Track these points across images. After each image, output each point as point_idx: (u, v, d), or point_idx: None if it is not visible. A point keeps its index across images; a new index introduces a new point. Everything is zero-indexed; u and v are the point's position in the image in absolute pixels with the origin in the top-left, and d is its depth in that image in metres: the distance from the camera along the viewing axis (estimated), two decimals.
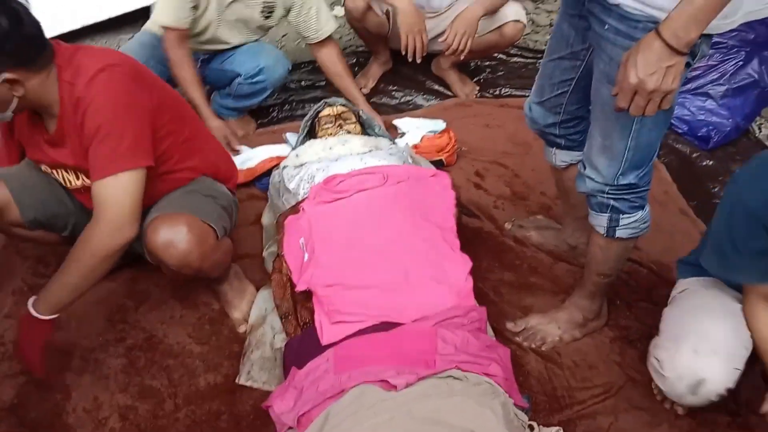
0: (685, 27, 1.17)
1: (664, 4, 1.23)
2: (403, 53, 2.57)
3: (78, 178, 1.69)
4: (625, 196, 1.56)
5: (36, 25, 1.44)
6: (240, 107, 2.66)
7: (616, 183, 1.52)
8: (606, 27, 1.35)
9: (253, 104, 2.66)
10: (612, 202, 1.56)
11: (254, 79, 2.54)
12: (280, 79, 2.62)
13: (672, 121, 2.62)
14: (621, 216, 1.58)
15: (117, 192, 1.49)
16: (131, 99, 1.52)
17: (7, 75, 1.41)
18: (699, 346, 1.46)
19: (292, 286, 1.80)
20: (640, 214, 1.60)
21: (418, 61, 2.59)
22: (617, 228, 1.60)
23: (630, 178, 1.52)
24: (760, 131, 2.83)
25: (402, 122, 2.63)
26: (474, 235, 2.19)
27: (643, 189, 1.56)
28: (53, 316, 1.52)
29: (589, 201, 1.62)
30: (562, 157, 1.84)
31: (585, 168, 1.58)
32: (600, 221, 1.61)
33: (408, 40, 2.53)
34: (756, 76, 2.62)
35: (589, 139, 1.55)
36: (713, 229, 1.47)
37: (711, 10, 1.17)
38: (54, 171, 1.71)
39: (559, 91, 1.68)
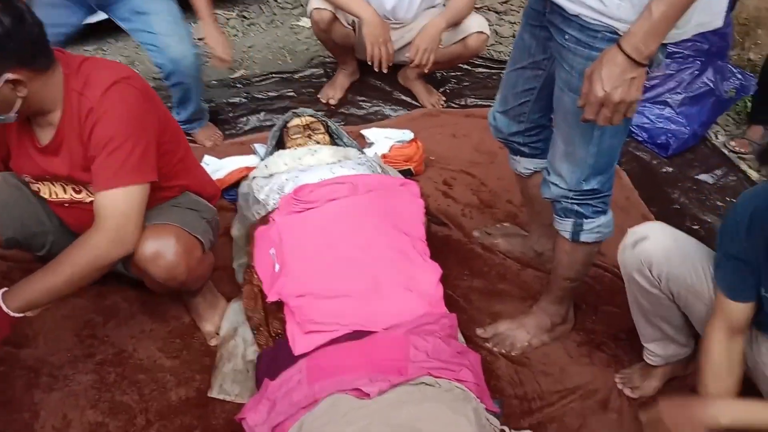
0: (645, 40, 1.23)
1: (622, 15, 1.29)
2: (369, 63, 2.60)
3: (65, 192, 1.66)
4: (589, 201, 1.60)
5: (39, 25, 1.42)
6: (190, 117, 2.62)
7: (579, 188, 1.57)
8: (566, 37, 1.39)
9: (194, 107, 2.58)
10: (576, 207, 1.61)
11: (170, 81, 2.47)
12: (194, 68, 2.45)
13: (632, 129, 2.70)
14: (585, 221, 1.63)
15: (123, 204, 1.50)
16: (143, 113, 1.54)
17: (10, 75, 1.39)
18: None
19: (263, 297, 1.80)
20: (603, 218, 1.65)
21: (384, 71, 2.62)
22: (582, 232, 1.64)
23: (593, 184, 1.56)
24: (717, 138, 2.93)
25: (370, 132, 2.66)
26: (443, 243, 2.22)
27: (605, 194, 1.61)
28: (20, 315, 1.46)
29: (554, 206, 1.66)
30: (526, 165, 1.88)
31: (549, 174, 1.62)
32: (565, 226, 1.66)
33: (373, 50, 2.56)
34: (711, 84, 2.72)
35: (552, 146, 1.59)
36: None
37: (667, 23, 1.23)
38: (39, 183, 1.67)
39: (522, 100, 1.72)
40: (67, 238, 1.75)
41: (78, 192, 1.65)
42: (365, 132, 2.66)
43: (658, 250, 1.52)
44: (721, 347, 1.43)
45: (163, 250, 1.58)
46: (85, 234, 1.49)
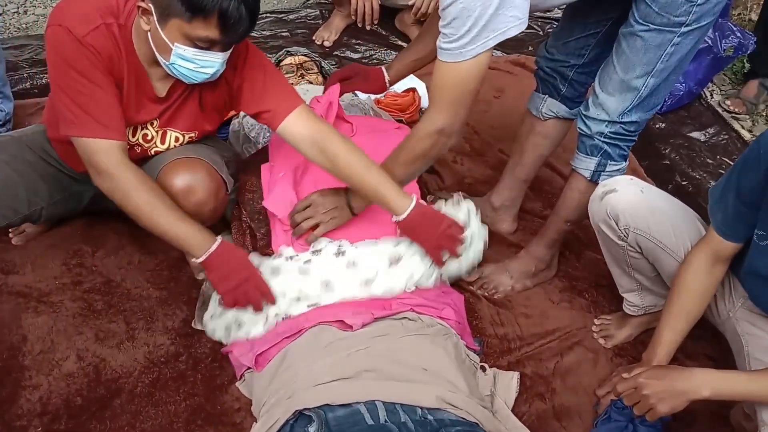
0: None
1: None
2: (353, 17, 2.56)
3: (135, 136, 1.60)
4: (619, 142, 1.63)
5: None
6: None
7: (620, 120, 1.59)
8: None
9: None
10: (606, 146, 1.64)
11: None
12: None
13: None
14: (609, 162, 1.66)
15: (312, 118, 1.58)
16: None
17: (141, 3, 1.36)
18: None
19: (252, 233, 1.81)
20: (623, 165, 1.69)
21: (368, 27, 2.57)
22: (602, 173, 1.67)
23: (634, 116, 1.59)
24: (712, 97, 2.92)
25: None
26: (434, 189, 2.23)
27: (634, 135, 1.65)
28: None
29: (583, 144, 1.68)
30: (551, 107, 1.87)
31: (589, 108, 1.63)
32: (587, 164, 1.68)
33: (358, 4, 2.51)
34: (710, 42, 2.69)
35: (604, 75, 1.59)
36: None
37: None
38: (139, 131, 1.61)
39: (592, 31, 1.70)
40: (60, 206, 1.77)
41: (149, 140, 1.62)
42: None
43: (624, 203, 1.52)
44: (699, 269, 1.44)
45: (196, 185, 1.56)
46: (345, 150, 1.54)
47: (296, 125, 1.55)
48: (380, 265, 1.59)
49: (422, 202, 1.63)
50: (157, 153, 1.64)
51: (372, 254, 1.61)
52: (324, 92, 1.89)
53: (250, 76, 1.56)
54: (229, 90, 1.59)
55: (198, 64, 1.39)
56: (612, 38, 1.58)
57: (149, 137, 1.61)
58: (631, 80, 1.54)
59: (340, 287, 1.57)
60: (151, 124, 1.59)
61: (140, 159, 1.62)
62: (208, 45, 1.36)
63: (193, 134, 1.65)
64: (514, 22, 1.34)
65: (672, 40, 1.46)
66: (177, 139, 1.64)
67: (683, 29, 1.45)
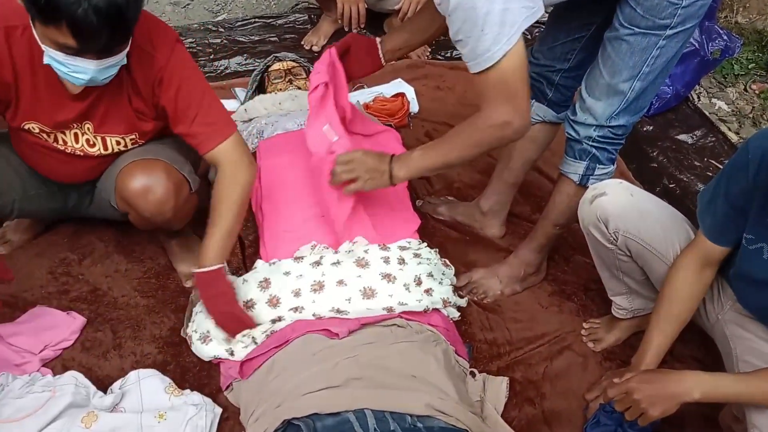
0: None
1: None
2: (339, 22, 2.56)
3: (78, 142, 1.61)
4: (607, 146, 1.64)
5: None
6: None
7: (608, 123, 1.60)
8: None
9: None
10: (594, 150, 1.64)
11: None
12: None
13: None
14: (598, 166, 1.67)
15: (239, 142, 1.59)
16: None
17: None
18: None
19: (241, 241, 1.81)
20: (611, 168, 1.69)
21: (354, 30, 2.57)
22: (591, 176, 1.68)
23: (621, 120, 1.59)
24: (699, 99, 2.93)
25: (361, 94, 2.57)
26: (423, 194, 2.23)
27: (621, 139, 1.65)
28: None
29: (571, 149, 1.68)
30: (536, 111, 1.86)
31: (576, 113, 1.63)
32: (576, 168, 1.69)
33: (344, 8, 2.51)
34: (696, 45, 2.71)
35: (590, 80, 1.60)
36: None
37: None
38: (56, 132, 1.59)
39: (577, 35, 1.70)
40: (34, 202, 1.75)
41: (92, 145, 1.62)
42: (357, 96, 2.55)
43: (614, 206, 1.53)
44: (688, 273, 1.44)
45: (153, 185, 1.57)
46: (224, 181, 1.56)
47: (221, 152, 1.56)
48: (354, 296, 1.56)
49: (231, 278, 1.60)
50: (100, 156, 1.65)
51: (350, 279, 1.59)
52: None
53: (173, 98, 1.52)
54: (153, 103, 1.56)
55: (69, 68, 1.35)
56: (597, 42, 1.59)
57: (92, 143, 1.62)
58: (618, 84, 1.54)
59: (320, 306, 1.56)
60: (87, 129, 1.58)
61: (95, 164, 1.65)
62: (73, 51, 1.31)
63: (133, 136, 1.64)
64: (527, 12, 1.33)
65: (657, 44, 1.47)
66: (119, 143, 1.63)
67: (668, 32, 1.45)
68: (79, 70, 1.35)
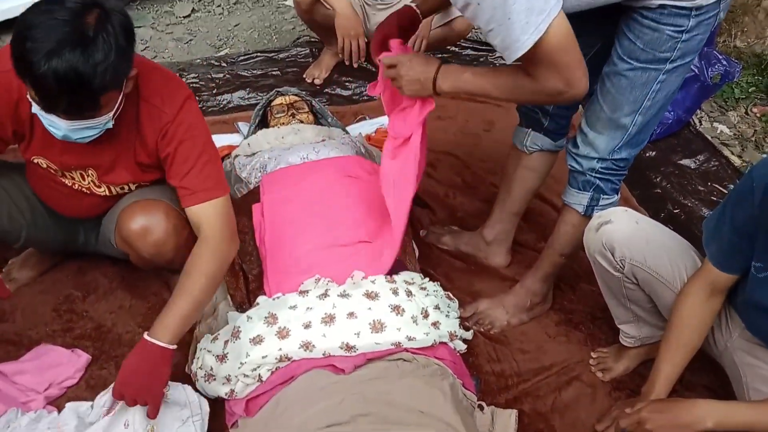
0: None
1: None
2: (340, 56, 2.60)
3: (85, 179, 1.63)
4: (610, 177, 1.64)
5: None
6: None
7: (610, 157, 1.60)
8: (636, 11, 1.41)
9: None
10: (598, 181, 1.65)
11: None
12: None
13: None
14: (602, 196, 1.67)
15: (225, 210, 1.54)
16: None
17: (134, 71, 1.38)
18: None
19: (245, 274, 1.80)
20: (615, 198, 1.70)
21: (355, 65, 2.61)
22: (596, 207, 1.68)
23: (623, 154, 1.60)
24: (701, 124, 2.94)
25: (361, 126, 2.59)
26: (427, 224, 2.23)
27: (624, 171, 1.66)
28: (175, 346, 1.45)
29: (575, 180, 1.69)
30: (534, 140, 1.87)
31: (578, 146, 1.64)
32: (580, 199, 1.69)
33: (344, 43, 2.55)
34: (696, 70, 2.73)
35: (591, 115, 1.60)
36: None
37: None
38: (65, 170, 1.61)
39: None
40: (42, 231, 1.76)
41: (98, 186, 1.64)
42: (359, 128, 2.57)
43: (620, 234, 1.53)
44: (696, 301, 1.43)
45: (153, 226, 1.58)
46: (200, 246, 1.50)
47: (203, 213, 1.52)
48: (363, 330, 1.53)
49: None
50: (106, 195, 1.67)
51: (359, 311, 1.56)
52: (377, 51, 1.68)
53: (173, 152, 1.52)
54: (157, 156, 1.57)
55: (46, 121, 1.37)
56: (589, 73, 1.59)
57: (97, 185, 1.64)
58: (620, 118, 1.54)
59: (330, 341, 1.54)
60: (91, 174, 1.60)
61: (101, 201, 1.67)
62: (41, 107, 1.32)
63: (137, 184, 1.66)
64: None
65: (657, 78, 1.47)
66: (123, 189, 1.66)
67: (668, 66, 1.45)
68: (53, 125, 1.37)
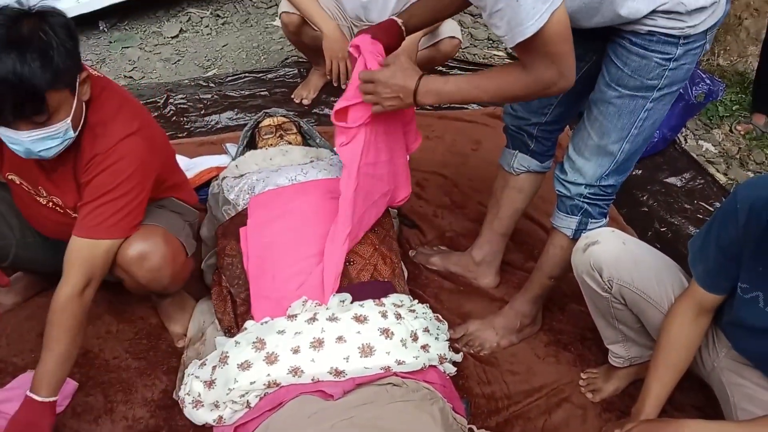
0: None
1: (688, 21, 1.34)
2: (327, 77, 2.61)
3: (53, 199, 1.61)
4: (598, 201, 1.65)
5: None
6: None
7: (598, 183, 1.61)
8: (623, 37, 1.42)
9: None
10: (586, 205, 1.65)
11: None
12: None
13: None
14: (590, 220, 1.67)
15: (98, 253, 1.49)
16: (145, 168, 1.52)
17: (84, 73, 1.37)
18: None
19: (233, 299, 1.79)
20: (603, 221, 1.70)
21: (343, 86, 2.62)
22: (584, 231, 1.68)
23: (611, 180, 1.61)
24: (686, 142, 2.98)
25: None
26: (416, 244, 2.23)
27: (612, 196, 1.67)
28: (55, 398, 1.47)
29: (563, 204, 1.69)
30: (521, 162, 1.88)
31: (565, 172, 1.64)
32: (569, 223, 1.69)
33: (332, 65, 2.57)
34: (681, 90, 2.76)
35: (578, 141, 1.61)
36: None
37: None
38: (35, 189, 1.61)
39: None
40: (31, 250, 1.75)
41: (62, 208, 1.63)
42: None
43: (607, 255, 1.53)
44: (684, 321, 1.43)
45: (150, 253, 1.56)
46: (59, 288, 1.48)
47: (83, 250, 1.48)
48: (353, 354, 1.52)
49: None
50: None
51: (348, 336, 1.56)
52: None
53: (90, 180, 1.49)
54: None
55: (6, 138, 1.37)
56: (572, 98, 1.60)
57: (61, 204, 1.61)
58: (608, 145, 1.55)
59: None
60: (49, 197, 1.59)
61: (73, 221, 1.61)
62: None
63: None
64: None
65: (645, 106, 1.48)
66: (73, 213, 1.61)
67: (655, 94, 1.46)
68: (12, 141, 1.37)
